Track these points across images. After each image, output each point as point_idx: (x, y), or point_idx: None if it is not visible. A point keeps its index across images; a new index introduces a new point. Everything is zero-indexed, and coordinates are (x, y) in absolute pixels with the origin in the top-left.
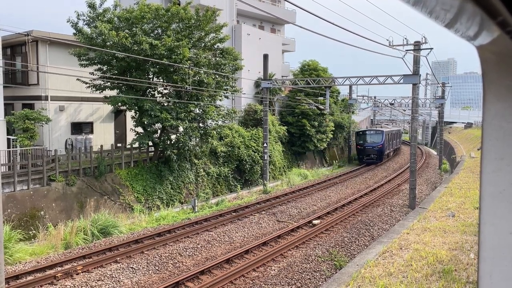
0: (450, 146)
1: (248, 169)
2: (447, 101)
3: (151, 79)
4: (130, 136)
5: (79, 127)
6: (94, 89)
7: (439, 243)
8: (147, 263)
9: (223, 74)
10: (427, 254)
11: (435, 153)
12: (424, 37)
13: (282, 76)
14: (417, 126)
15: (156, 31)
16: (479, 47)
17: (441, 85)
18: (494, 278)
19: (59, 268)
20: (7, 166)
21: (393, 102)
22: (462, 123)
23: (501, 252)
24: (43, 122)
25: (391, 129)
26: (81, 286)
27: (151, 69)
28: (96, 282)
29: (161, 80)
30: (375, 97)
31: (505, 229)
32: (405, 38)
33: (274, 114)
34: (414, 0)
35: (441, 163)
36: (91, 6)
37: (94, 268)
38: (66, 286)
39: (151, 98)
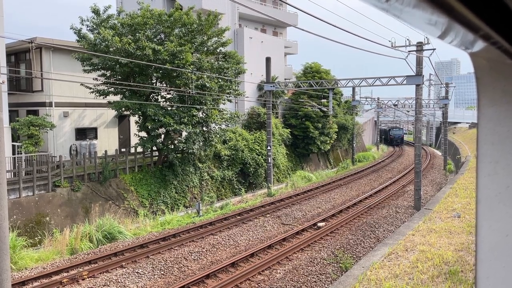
0: (454, 146)
1: (252, 172)
2: (451, 101)
3: (154, 84)
4: (134, 141)
5: (83, 133)
6: (97, 94)
7: (445, 244)
8: (153, 267)
9: (226, 78)
10: (433, 256)
11: (440, 153)
12: (426, 37)
13: (285, 79)
14: (421, 127)
15: (159, 36)
16: (472, 54)
17: (444, 85)
18: (492, 280)
19: (65, 274)
20: (12, 173)
21: (396, 103)
22: (467, 123)
23: (498, 254)
24: (48, 128)
25: (403, 127)
26: None
27: (154, 74)
28: (102, 287)
29: (164, 84)
30: (378, 99)
31: (502, 231)
32: (408, 39)
33: (277, 117)
34: (406, 20)
35: (445, 163)
36: (95, 12)
37: (100, 273)
38: None
39: (155, 102)
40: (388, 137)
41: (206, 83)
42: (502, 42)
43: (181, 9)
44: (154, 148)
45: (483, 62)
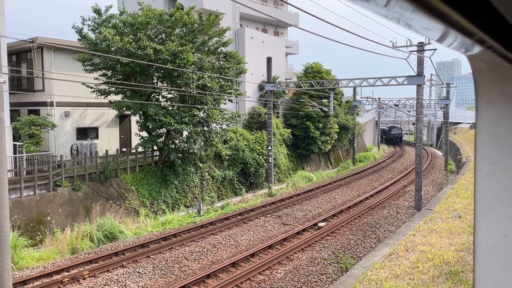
0: (455, 146)
1: (253, 172)
2: (452, 102)
3: (155, 84)
4: (135, 141)
5: (84, 132)
6: (98, 94)
7: (445, 244)
8: (153, 267)
9: (227, 77)
10: (433, 256)
11: (441, 154)
12: (427, 37)
13: (286, 79)
14: (422, 127)
15: (160, 36)
16: (470, 57)
17: (445, 85)
18: (489, 280)
19: (66, 273)
20: (13, 172)
21: (397, 103)
22: (468, 123)
23: (496, 254)
24: (49, 128)
25: (401, 128)
26: None
27: (155, 74)
28: (102, 287)
29: (165, 84)
30: (379, 99)
31: (499, 231)
32: (409, 39)
33: (278, 117)
34: (404, 24)
35: (446, 164)
36: (97, 11)
37: (101, 272)
38: None
39: (156, 102)
40: (388, 137)
41: (207, 83)
42: (496, 46)
43: (182, 9)
44: (155, 147)
45: (481, 65)
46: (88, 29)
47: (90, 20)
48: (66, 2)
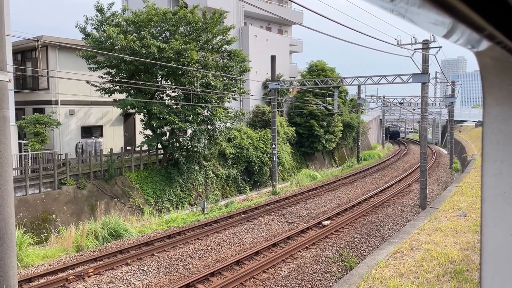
0: (461, 145)
1: (257, 170)
2: (457, 100)
3: (159, 82)
4: (140, 139)
5: (89, 131)
6: (103, 92)
7: (450, 243)
8: (158, 265)
9: (231, 76)
10: (438, 255)
11: (446, 152)
12: (432, 35)
13: (290, 77)
14: (427, 125)
15: (164, 34)
16: (477, 53)
17: (450, 83)
18: (496, 280)
19: (71, 271)
20: (18, 170)
21: (402, 101)
22: (473, 121)
23: (503, 253)
24: (54, 126)
25: (399, 125)
26: None
27: (159, 72)
28: (107, 285)
29: (169, 83)
30: (384, 97)
31: (506, 230)
32: (414, 37)
33: (282, 115)
34: (410, 19)
35: (451, 162)
36: (99, 10)
37: (106, 270)
38: None
39: (160, 101)
40: (388, 133)
41: (211, 81)
42: (506, 41)
43: (186, 7)
44: (160, 146)
45: (489, 61)
46: (92, 28)
47: (93, 20)
48: (66, 1)
